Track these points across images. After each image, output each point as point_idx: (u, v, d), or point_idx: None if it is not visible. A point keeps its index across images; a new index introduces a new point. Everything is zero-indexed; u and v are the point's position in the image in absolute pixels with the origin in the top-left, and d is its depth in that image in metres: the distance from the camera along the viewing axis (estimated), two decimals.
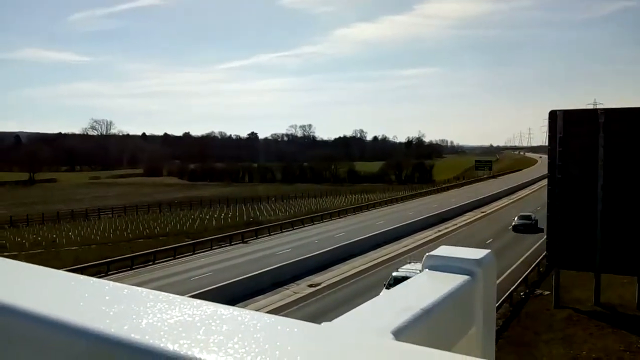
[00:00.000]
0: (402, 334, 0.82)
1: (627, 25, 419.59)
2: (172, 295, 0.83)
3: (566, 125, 26.79)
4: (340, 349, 0.66)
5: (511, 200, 75.47)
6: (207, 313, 0.76)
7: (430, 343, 0.70)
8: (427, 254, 1.13)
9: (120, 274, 36.04)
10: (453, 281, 1.03)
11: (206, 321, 0.73)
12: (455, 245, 1.20)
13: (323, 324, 0.83)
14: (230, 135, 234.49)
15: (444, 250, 1.14)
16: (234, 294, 29.08)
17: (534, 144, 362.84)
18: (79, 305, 0.80)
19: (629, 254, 25.31)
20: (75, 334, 0.71)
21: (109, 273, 35.62)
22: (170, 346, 0.65)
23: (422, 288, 1.04)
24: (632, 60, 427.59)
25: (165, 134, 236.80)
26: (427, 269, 1.11)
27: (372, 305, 0.95)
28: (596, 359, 21.27)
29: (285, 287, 32.37)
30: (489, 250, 1.15)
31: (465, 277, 1.06)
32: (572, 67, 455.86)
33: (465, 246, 1.19)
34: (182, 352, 0.64)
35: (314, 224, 57.77)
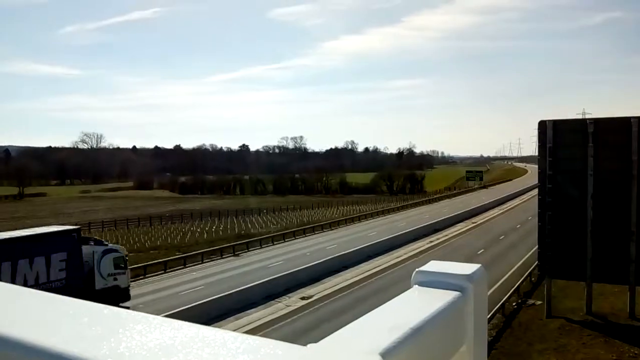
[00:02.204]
0: (390, 354, 0.78)
1: (614, 35, 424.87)
2: (152, 316, 0.79)
3: (556, 135, 26.96)
4: None
5: (502, 211, 75.68)
6: (188, 335, 0.72)
7: None
8: (416, 269, 1.08)
9: None
10: (443, 298, 0.99)
11: (187, 344, 0.69)
12: (448, 256, 1.16)
13: (309, 345, 0.78)
14: (221, 147, 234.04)
15: (433, 266, 1.10)
16: (225, 308, 28.86)
17: (524, 154, 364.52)
18: (54, 327, 0.75)
19: (619, 263, 25.41)
20: (49, 358, 0.66)
21: None
22: None
23: (411, 305, 0.99)
24: (620, 69, 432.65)
25: (156, 147, 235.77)
26: (416, 285, 1.06)
27: (359, 325, 0.91)
28: None
29: (277, 299, 32.16)
30: (480, 265, 1.12)
31: (456, 294, 1.01)
32: (561, 77, 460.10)
33: (457, 256, 1.15)
34: None
35: (305, 236, 57.57)
